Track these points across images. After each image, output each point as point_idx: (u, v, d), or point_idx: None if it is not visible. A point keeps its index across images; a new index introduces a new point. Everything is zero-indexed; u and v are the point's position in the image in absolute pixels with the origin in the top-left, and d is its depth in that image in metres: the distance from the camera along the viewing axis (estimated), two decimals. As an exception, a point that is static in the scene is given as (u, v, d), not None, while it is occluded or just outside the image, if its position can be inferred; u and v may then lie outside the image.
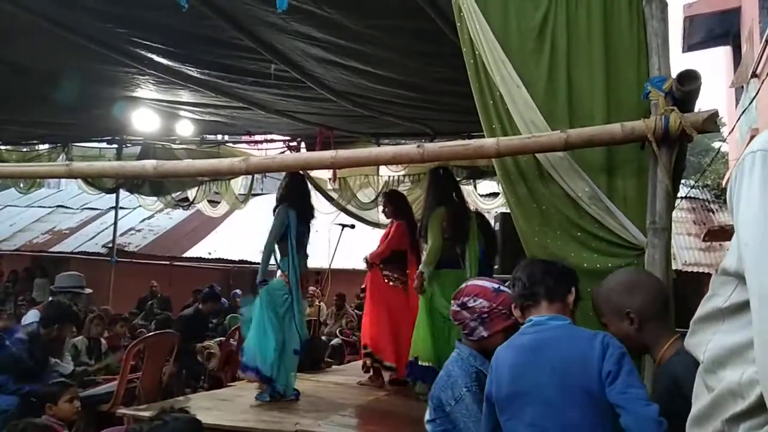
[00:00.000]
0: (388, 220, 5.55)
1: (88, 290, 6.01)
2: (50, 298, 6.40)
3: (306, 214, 4.86)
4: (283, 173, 5.13)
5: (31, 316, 5.58)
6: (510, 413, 1.95)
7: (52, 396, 3.54)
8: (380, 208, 8.13)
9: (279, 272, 4.72)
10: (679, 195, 2.96)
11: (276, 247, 4.66)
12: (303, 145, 8.17)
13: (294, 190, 4.82)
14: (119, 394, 4.70)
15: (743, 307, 0.94)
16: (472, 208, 5.61)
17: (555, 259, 2.27)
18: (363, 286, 6.45)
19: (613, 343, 1.89)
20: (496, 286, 2.35)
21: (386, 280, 5.25)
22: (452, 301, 2.39)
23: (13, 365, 4.29)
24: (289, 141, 8.32)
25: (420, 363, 4.50)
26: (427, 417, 2.28)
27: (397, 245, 5.26)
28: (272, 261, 4.72)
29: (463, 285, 2.41)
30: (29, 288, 12.12)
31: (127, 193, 9.81)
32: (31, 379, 4.24)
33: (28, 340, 4.53)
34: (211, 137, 8.98)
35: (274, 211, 4.74)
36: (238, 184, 9.44)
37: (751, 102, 8.18)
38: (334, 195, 8.02)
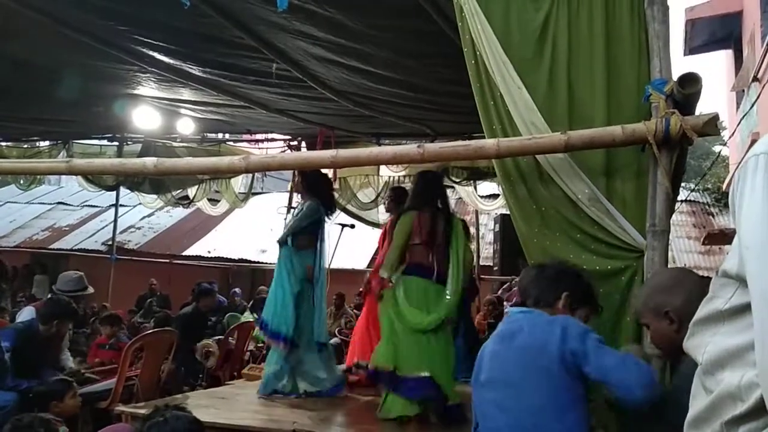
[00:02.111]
0: (388, 216, 5.43)
1: (91, 290, 5.98)
2: (49, 295, 6.39)
3: (330, 207, 4.98)
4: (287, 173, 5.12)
5: (26, 313, 5.54)
6: (488, 396, 2.13)
7: (55, 393, 3.54)
8: (380, 208, 8.13)
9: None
10: (678, 198, 2.96)
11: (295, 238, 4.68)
12: (303, 144, 8.17)
13: (321, 184, 4.89)
14: (117, 392, 4.69)
15: (744, 309, 0.94)
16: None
17: (556, 262, 2.36)
18: (361, 289, 6.33)
19: (572, 323, 2.02)
20: None
21: None
22: (505, 303, 2.54)
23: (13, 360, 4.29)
24: (289, 140, 8.33)
25: (376, 368, 3.98)
26: None
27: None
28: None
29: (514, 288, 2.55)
30: (29, 285, 12.12)
31: (128, 191, 9.82)
32: (29, 375, 4.24)
33: (23, 329, 4.55)
34: (212, 135, 9.00)
35: (299, 196, 4.80)
36: (239, 183, 9.45)
37: (752, 106, 8.17)
38: (334, 195, 7.99)
